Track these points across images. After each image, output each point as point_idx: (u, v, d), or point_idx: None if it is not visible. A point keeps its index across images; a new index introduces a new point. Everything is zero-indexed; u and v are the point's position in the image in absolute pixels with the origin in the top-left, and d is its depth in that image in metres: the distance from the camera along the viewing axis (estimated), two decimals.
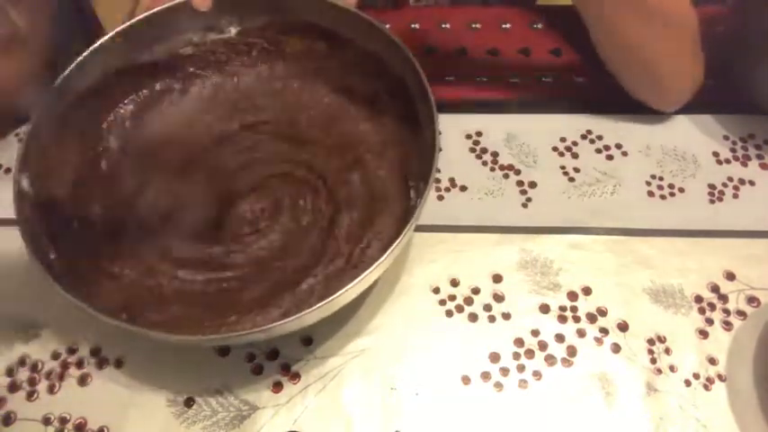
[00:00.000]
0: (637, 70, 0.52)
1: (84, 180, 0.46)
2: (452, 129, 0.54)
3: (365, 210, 0.46)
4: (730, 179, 0.52)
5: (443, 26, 0.63)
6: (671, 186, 0.51)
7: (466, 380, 0.42)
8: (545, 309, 0.45)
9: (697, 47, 0.51)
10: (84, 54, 0.45)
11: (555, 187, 0.51)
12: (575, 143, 0.54)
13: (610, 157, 0.53)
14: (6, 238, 0.48)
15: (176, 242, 0.45)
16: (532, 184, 0.51)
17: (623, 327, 0.44)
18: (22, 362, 0.43)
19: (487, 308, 0.45)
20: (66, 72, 0.44)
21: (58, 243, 0.41)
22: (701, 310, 0.45)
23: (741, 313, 0.45)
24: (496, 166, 0.53)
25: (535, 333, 0.44)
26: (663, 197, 0.51)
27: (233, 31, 0.50)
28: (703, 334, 0.44)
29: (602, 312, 0.45)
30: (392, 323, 0.44)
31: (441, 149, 0.53)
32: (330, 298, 0.35)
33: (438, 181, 0.51)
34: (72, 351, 0.44)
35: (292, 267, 0.44)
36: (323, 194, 0.47)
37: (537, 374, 0.42)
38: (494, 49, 0.61)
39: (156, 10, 0.46)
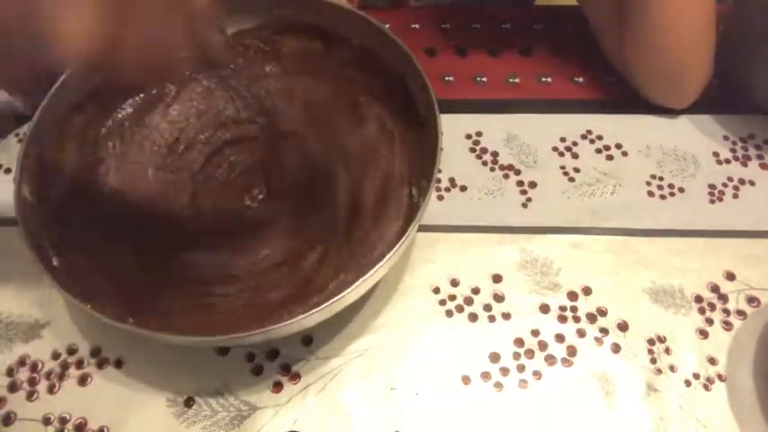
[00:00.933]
0: (664, 62, 0.52)
1: (84, 184, 0.46)
2: (452, 129, 0.54)
3: (368, 210, 0.46)
4: (730, 179, 0.52)
5: (443, 26, 0.63)
6: (671, 186, 0.51)
7: (466, 380, 0.42)
8: (545, 309, 0.45)
9: (714, 37, 0.52)
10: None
11: (555, 187, 0.51)
12: (575, 143, 0.54)
13: (610, 157, 0.53)
14: (6, 238, 0.48)
15: (179, 245, 0.45)
16: (532, 184, 0.51)
17: (623, 327, 0.44)
18: (22, 362, 0.43)
19: (487, 308, 0.45)
20: (64, 76, 0.44)
21: (59, 247, 0.41)
22: (701, 310, 0.45)
23: (741, 313, 0.45)
24: (496, 166, 0.53)
25: (535, 333, 0.44)
26: (663, 197, 0.51)
27: (229, 32, 0.50)
28: (703, 334, 0.44)
29: (602, 312, 0.45)
30: (392, 323, 0.44)
31: (441, 149, 0.53)
32: (332, 300, 0.35)
33: (438, 181, 0.51)
34: (72, 351, 0.44)
35: (296, 271, 0.44)
36: (325, 195, 0.47)
37: (537, 374, 0.42)
38: (494, 49, 0.61)
39: None
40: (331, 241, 0.45)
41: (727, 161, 0.53)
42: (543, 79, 0.59)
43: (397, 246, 0.36)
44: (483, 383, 0.42)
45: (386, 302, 0.45)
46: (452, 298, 0.45)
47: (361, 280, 0.36)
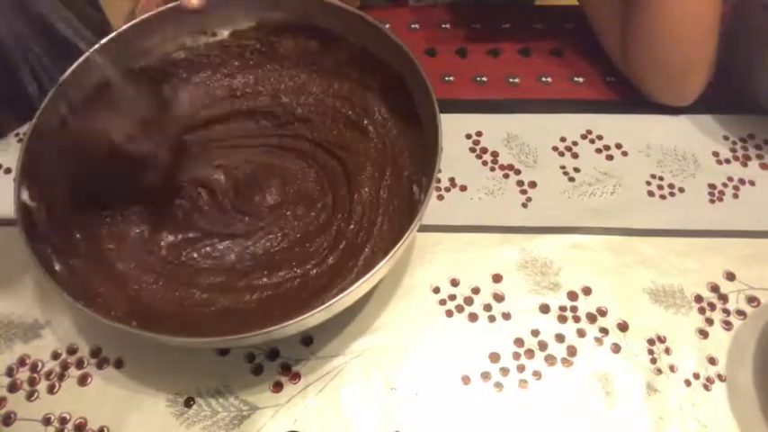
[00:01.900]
0: (666, 60, 0.52)
1: (84, 187, 0.45)
2: (452, 129, 0.54)
3: (369, 210, 0.46)
4: (730, 179, 0.52)
5: (443, 26, 0.63)
6: (671, 186, 0.51)
7: (466, 380, 0.42)
8: (545, 309, 0.45)
9: (716, 36, 0.52)
10: (77, 63, 0.44)
11: (555, 187, 0.51)
12: (575, 143, 0.54)
13: (610, 157, 0.53)
14: (6, 238, 0.48)
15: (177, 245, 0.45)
16: (532, 184, 0.51)
17: (623, 327, 0.44)
18: (22, 362, 0.43)
19: (487, 308, 0.45)
20: (61, 80, 0.44)
21: (61, 250, 0.40)
22: (701, 310, 0.45)
23: (741, 313, 0.45)
24: (496, 166, 0.53)
25: (535, 333, 0.44)
26: (663, 197, 0.51)
27: (225, 33, 0.50)
28: (703, 334, 0.44)
29: (602, 312, 0.45)
30: (392, 323, 0.44)
31: (441, 149, 0.53)
32: (332, 300, 0.35)
33: (438, 181, 0.51)
34: (72, 351, 0.44)
35: (300, 269, 0.44)
36: (327, 196, 0.47)
37: (537, 374, 0.42)
38: (494, 49, 0.61)
39: (146, 16, 0.46)
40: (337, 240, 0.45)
41: (727, 161, 0.53)
42: (543, 79, 0.59)
43: (396, 247, 0.36)
44: (483, 383, 0.42)
45: (386, 302, 0.45)
46: (452, 298, 0.45)
47: (361, 281, 0.36)
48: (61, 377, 0.43)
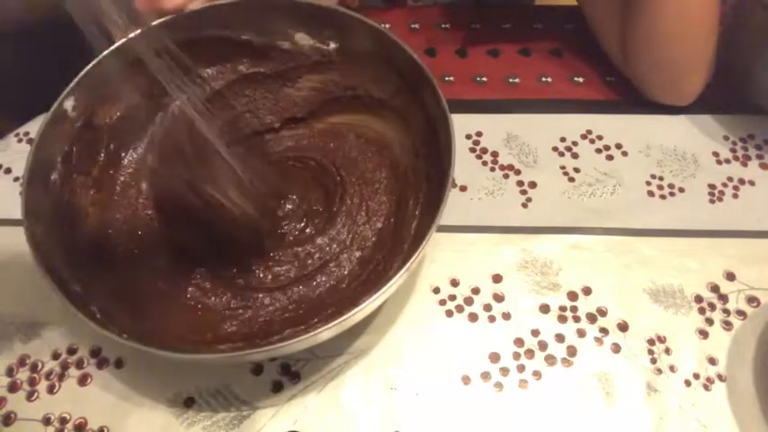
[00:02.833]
0: (666, 60, 0.52)
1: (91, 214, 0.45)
2: None
3: (388, 216, 0.46)
4: (730, 179, 0.52)
5: (443, 26, 0.63)
6: (671, 186, 0.51)
7: (466, 380, 0.42)
8: (545, 309, 0.45)
9: (716, 36, 0.52)
10: (75, 80, 0.44)
11: (555, 187, 0.51)
12: (575, 143, 0.54)
13: (610, 157, 0.53)
14: (6, 238, 0.48)
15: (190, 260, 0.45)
16: (532, 184, 0.51)
17: (623, 327, 0.44)
18: (22, 362, 0.43)
19: (487, 308, 0.45)
20: (61, 98, 0.43)
21: (72, 265, 0.40)
22: (701, 310, 0.45)
23: (741, 313, 0.45)
24: (496, 166, 0.53)
25: (535, 333, 0.44)
26: (663, 197, 0.51)
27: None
28: (703, 334, 0.44)
29: (602, 312, 0.45)
30: (392, 323, 0.44)
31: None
32: (349, 314, 0.34)
33: None
34: (72, 351, 0.44)
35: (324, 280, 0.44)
36: (346, 203, 0.47)
37: (537, 374, 0.42)
38: (494, 49, 0.61)
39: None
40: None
41: (727, 161, 0.53)
42: (543, 79, 0.59)
43: (413, 258, 0.36)
44: (483, 383, 0.42)
45: (386, 302, 0.45)
46: (452, 298, 0.45)
47: (379, 292, 0.35)
48: (61, 377, 0.43)
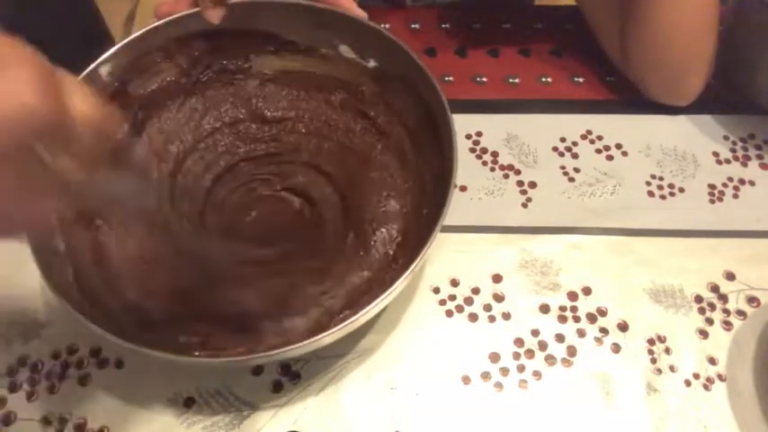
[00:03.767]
0: (665, 60, 0.52)
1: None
2: None
3: (388, 218, 0.46)
4: (730, 179, 0.52)
5: (443, 26, 0.63)
6: (671, 186, 0.51)
7: (466, 380, 0.42)
8: (545, 309, 0.45)
9: (715, 35, 0.52)
10: (115, 48, 0.44)
11: (555, 187, 0.51)
12: (575, 143, 0.54)
13: (610, 157, 0.53)
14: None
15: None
16: (532, 184, 0.51)
17: (623, 327, 0.44)
18: (22, 362, 0.43)
19: (487, 308, 0.45)
20: (97, 63, 0.44)
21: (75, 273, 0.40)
22: (701, 310, 0.45)
23: (741, 313, 0.45)
24: (496, 166, 0.53)
25: (535, 333, 0.44)
26: (663, 197, 0.51)
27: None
28: (703, 334, 0.44)
29: (602, 312, 0.45)
30: (392, 323, 0.44)
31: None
32: (356, 316, 0.35)
33: None
34: (72, 351, 0.44)
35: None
36: (340, 203, 0.47)
37: (537, 374, 0.42)
38: (494, 49, 0.61)
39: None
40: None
41: (727, 161, 0.53)
42: (543, 79, 0.59)
43: (420, 257, 0.36)
44: (483, 383, 0.42)
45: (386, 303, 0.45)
46: (452, 298, 0.45)
47: (385, 294, 0.35)
48: (61, 377, 0.43)
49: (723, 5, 0.51)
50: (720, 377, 0.42)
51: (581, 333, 0.44)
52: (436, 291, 0.46)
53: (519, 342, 0.44)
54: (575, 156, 0.53)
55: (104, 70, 0.45)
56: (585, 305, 0.45)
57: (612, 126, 0.55)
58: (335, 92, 0.51)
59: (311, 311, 0.42)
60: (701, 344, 0.43)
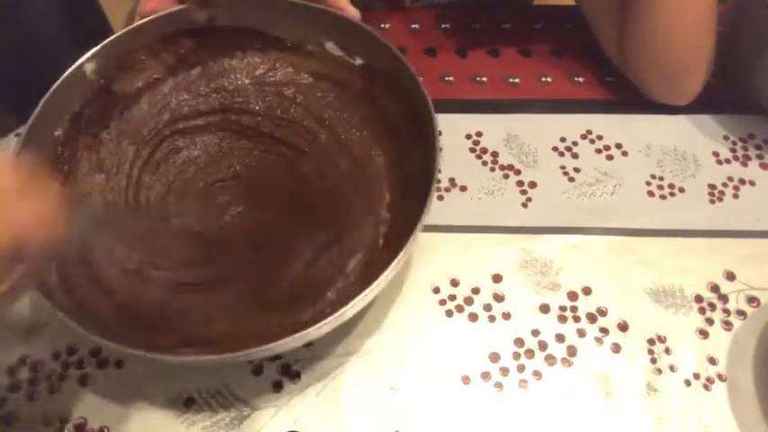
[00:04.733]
0: (664, 60, 0.52)
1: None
2: (452, 129, 0.54)
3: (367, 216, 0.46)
4: (730, 179, 0.51)
5: (443, 26, 0.63)
6: (671, 186, 0.51)
7: (466, 380, 0.42)
8: (545, 309, 0.45)
9: (714, 35, 0.52)
10: (101, 45, 0.45)
11: (555, 187, 0.51)
12: (575, 143, 0.54)
13: (610, 157, 0.53)
14: None
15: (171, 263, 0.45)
16: (532, 184, 0.51)
17: (623, 327, 0.44)
18: (22, 362, 0.43)
19: (487, 308, 0.45)
20: (82, 60, 0.44)
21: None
22: (702, 310, 0.45)
23: (741, 313, 0.45)
24: (496, 166, 0.53)
25: (535, 333, 0.44)
26: (663, 197, 0.51)
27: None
28: (703, 334, 0.44)
29: (602, 312, 0.45)
30: (392, 323, 0.44)
31: (441, 149, 0.53)
32: (337, 313, 0.35)
33: (438, 181, 0.51)
34: (72, 351, 0.44)
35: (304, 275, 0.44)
36: (323, 199, 0.47)
37: (537, 374, 0.42)
38: (494, 49, 0.61)
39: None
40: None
41: (728, 161, 0.53)
42: (543, 79, 0.59)
43: (402, 252, 0.36)
44: (483, 383, 0.42)
45: (386, 303, 0.45)
46: (452, 298, 0.45)
47: (368, 290, 0.35)
48: (61, 377, 0.43)
49: (723, 5, 0.51)
50: (720, 377, 0.42)
51: (581, 333, 0.44)
52: (436, 291, 0.46)
53: (519, 342, 0.44)
54: (575, 156, 0.53)
55: (89, 68, 0.45)
56: (585, 305, 0.45)
57: (612, 126, 0.55)
58: (324, 88, 0.51)
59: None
60: (701, 344, 0.43)
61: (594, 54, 0.59)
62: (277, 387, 0.42)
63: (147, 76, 0.49)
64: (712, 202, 0.50)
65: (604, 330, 0.44)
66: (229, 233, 0.46)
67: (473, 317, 0.45)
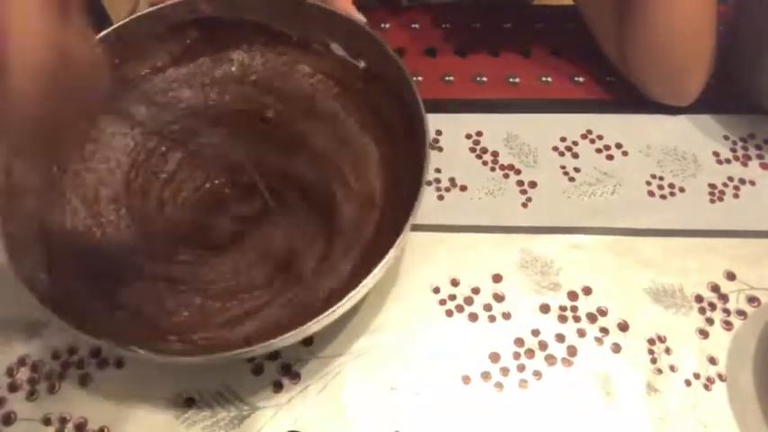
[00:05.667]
0: (664, 61, 0.52)
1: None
2: (452, 129, 0.54)
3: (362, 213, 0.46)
4: (730, 179, 0.51)
5: (443, 26, 0.63)
6: (671, 186, 0.51)
7: (466, 380, 0.42)
8: (545, 309, 0.45)
9: (714, 35, 0.52)
10: (110, 29, 0.45)
11: (555, 187, 0.51)
12: (575, 143, 0.54)
13: (610, 157, 0.53)
14: None
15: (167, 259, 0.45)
16: (532, 184, 0.51)
17: (623, 327, 0.44)
18: (22, 362, 0.43)
19: (487, 308, 0.45)
20: None
21: (50, 268, 0.40)
22: (702, 310, 0.45)
23: (741, 313, 0.45)
24: (496, 166, 0.53)
25: (535, 333, 0.44)
26: (663, 197, 0.51)
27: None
28: (704, 334, 0.44)
29: (603, 312, 0.45)
30: (392, 323, 0.44)
31: (441, 149, 0.53)
32: (328, 311, 0.35)
33: (438, 181, 0.51)
34: (72, 351, 0.44)
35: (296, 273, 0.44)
36: (316, 196, 0.47)
37: (537, 374, 0.42)
38: (494, 49, 0.61)
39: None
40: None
41: (728, 161, 0.53)
42: (543, 79, 0.59)
43: (393, 248, 0.36)
44: (483, 383, 0.42)
45: (386, 302, 0.45)
46: (452, 298, 0.45)
47: (358, 287, 0.35)
48: (61, 377, 0.43)
49: (723, 5, 0.51)
50: (720, 377, 0.42)
51: (581, 333, 0.44)
52: (436, 291, 0.46)
53: (519, 342, 0.44)
54: (575, 155, 0.53)
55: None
56: (586, 305, 0.45)
57: (612, 126, 0.55)
58: (325, 85, 0.51)
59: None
60: (702, 344, 0.43)
61: (594, 54, 0.59)
62: (277, 387, 0.42)
63: (152, 63, 0.49)
64: (712, 202, 0.50)
65: (604, 330, 0.44)
66: (224, 229, 0.47)
67: (473, 317, 0.45)
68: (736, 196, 0.51)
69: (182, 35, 0.49)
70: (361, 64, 0.48)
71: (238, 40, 0.50)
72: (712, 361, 0.43)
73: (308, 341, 0.43)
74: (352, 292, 0.35)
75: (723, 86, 0.55)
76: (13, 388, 0.42)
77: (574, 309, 0.45)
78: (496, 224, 0.49)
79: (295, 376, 0.42)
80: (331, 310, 0.35)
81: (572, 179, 0.52)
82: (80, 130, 0.44)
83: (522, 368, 0.43)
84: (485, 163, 0.53)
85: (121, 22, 0.46)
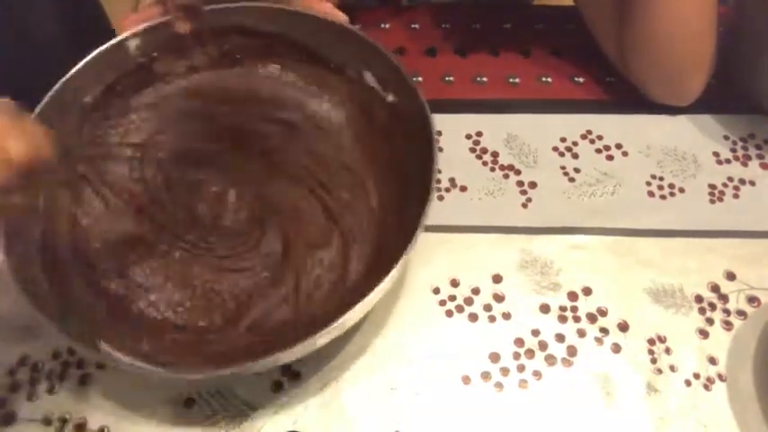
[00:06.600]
0: (664, 61, 0.52)
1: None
2: (452, 129, 0.54)
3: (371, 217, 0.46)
4: (730, 179, 0.51)
5: (443, 26, 0.63)
6: (671, 186, 0.51)
7: (466, 380, 0.42)
8: (545, 309, 0.45)
9: (714, 36, 0.52)
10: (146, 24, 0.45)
11: (555, 187, 0.51)
12: (575, 143, 0.54)
13: (610, 157, 0.53)
14: None
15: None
16: (532, 184, 0.51)
17: (623, 327, 0.44)
18: (22, 362, 0.43)
19: (487, 308, 0.45)
20: (125, 35, 0.45)
21: (49, 274, 0.40)
22: (702, 310, 0.45)
23: (741, 313, 0.45)
24: (496, 166, 0.53)
25: (535, 333, 0.44)
26: (663, 197, 0.51)
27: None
28: (704, 334, 0.44)
29: (603, 312, 0.45)
30: (392, 323, 0.44)
31: (441, 149, 0.53)
32: (338, 321, 0.35)
33: (438, 181, 0.51)
34: (72, 351, 0.44)
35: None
36: (325, 202, 0.47)
37: (537, 374, 0.42)
38: (494, 49, 0.61)
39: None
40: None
41: (728, 161, 0.53)
42: (543, 79, 0.59)
43: (402, 257, 0.36)
44: (483, 383, 0.42)
45: (386, 303, 0.45)
46: (452, 298, 0.45)
47: (373, 293, 0.35)
48: (61, 377, 0.43)
49: (723, 6, 0.51)
50: (720, 377, 0.42)
51: (581, 333, 0.44)
52: (436, 291, 0.46)
53: (519, 342, 0.44)
54: (575, 156, 0.53)
55: (133, 44, 0.46)
56: (586, 305, 0.45)
57: (612, 126, 0.55)
58: (350, 116, 0.50)
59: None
60: (702, 344, 0.43)
61: (594, 54, 0.59)
62: (277, 387, 0.42)
63: (188, 62, 0.49)
64: (712, 202, 0.50)
65: (604, 330, 0.44)
66: (228, 236, 0.47)
67: (473, 317, 0.45)
68: (736, 196, 0.51)
69: (223, 40, 0.48)
70: (390, 98, 0.47)
71: (275, 55, 0.50)
72: (712, 361, 0.43)
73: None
74: (356, 306, 0.35)
75: (723, 87, 0.56)
76: (13, 388, 0.42)
77: (574, 309, 0.45)
78: (496, 224, 0.49)
79: (295, 376, 0.42)
80: (338, 322, 0.35)
81: (572, 179, 0.52)
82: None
83: (522, 368, 0.43)
84: (485, 163, 0.53)
85: (162, 19, 0.46)
